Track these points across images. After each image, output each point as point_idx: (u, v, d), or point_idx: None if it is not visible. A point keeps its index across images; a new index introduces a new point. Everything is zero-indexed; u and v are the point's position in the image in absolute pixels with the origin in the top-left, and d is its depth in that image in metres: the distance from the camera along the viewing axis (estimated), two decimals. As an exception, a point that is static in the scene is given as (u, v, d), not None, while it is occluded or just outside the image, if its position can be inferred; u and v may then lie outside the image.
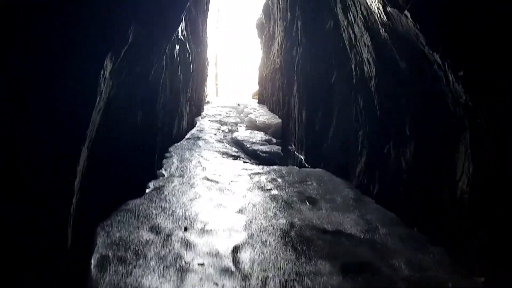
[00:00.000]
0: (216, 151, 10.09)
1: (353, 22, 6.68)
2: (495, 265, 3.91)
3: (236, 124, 16.32)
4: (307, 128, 10.57)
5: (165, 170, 7.64)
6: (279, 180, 7.47)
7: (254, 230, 4.92)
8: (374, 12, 5.64)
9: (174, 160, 8.57)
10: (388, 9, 5.12)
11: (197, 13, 14.53)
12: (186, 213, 5.31)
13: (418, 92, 5.14)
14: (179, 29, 11.16)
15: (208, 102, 21.68)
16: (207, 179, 7.25)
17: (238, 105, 22.07)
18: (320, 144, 9.29)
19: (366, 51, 6.33)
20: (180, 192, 6.24)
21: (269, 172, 8.00)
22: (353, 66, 7.38)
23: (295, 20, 12.04)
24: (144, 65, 5.32)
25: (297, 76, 11.62)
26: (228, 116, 17.73)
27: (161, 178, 7.05)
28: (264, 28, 20.63)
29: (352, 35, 6.93)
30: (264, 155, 10.37)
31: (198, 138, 11.64)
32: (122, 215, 4.92)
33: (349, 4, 6.64)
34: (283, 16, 15.13)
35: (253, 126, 16.09)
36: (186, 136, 11.76)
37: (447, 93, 4.46)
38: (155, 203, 5.53)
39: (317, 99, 9.86)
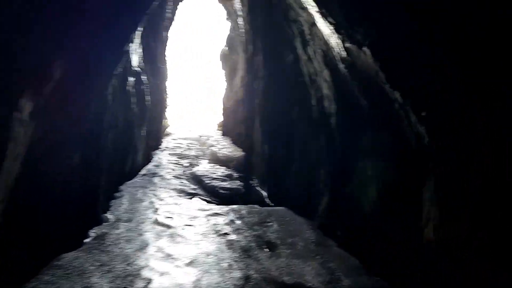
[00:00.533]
0: (172, 189, 9.54)
1: (313, 57, 6.47)
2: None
3: (197, 157, 15.79)
4: (269, 163, 10.22)
5: (112, 213, 7.03)
6: (238, 222, 7.01)
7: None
8: (333, 48, 5.43)
9: (124, 201, 7.96)
10: (347, 44, 4.92)
11: (156, 43, 14.19)
12: (128, 268, 4.74)
13: (381, 131, 4.89)
14: (134, 60, 10.74)
15: (169, 134, 21.14)
16: (159, 223, 6.69)
17: (201, 136, 21.60)
18: (283, 181, 8.93)
19: (326, 87, 6.10)
20: (125, 241, 5.66)
21: (227, 213, 7.54)
22: (313, 102, 7.14)
23: (257, 52, 11.87)
24: (80, 102, 4.85)
25: (258, 110, 11.35)
26: (189, 149, 17.19)
27: (105, 224, 6.44)
28: (227, 60, 20.51)
29: (312, 70, 6.72)
30: (224, 192, 9.89)
31: (154, 174, 11.06)
32: (52, 274, 4.31)
33: (308, 39, 6.44)
34: (245, 49, 15.01)
35: (215, 159, 15.62)
36: (141, 172, 11.15)
37: (410, 133, 4.21)
38: (93, 256, 4.93)
39: (279, 134, 9.56)
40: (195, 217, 7.25)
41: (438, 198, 3.79)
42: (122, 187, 9.19)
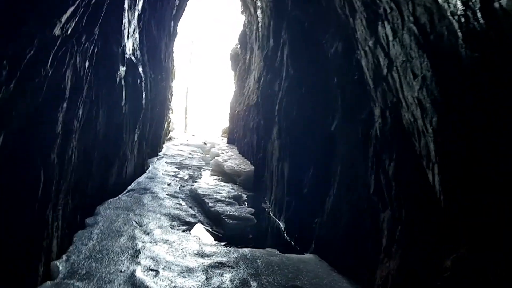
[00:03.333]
0: (164, 214, 7.00)
1: (390, 38, 3.98)
2: None
3: (200, 168, 13.30)
4: (289, 187, 7.71)
5: (68, 259, 4.50)
6: (253, 284, 4.50)
7: None
8: (452, 14, 2.95)
9: (94, 234, 5.45)
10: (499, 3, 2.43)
11: (159, 34, 11.74)
12: None
13: None
14: (129, 46, 8.29)
15: (170, 139, 18.66)
16: (134, 286, 4.19)
17: (205, 143, 19.14)
18: (311, 215, 6.42)
19: (418, 87, 3.59)
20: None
21: (237, 264, 5.01)
22: (377, 111, 4.65)
23: (280, 47, 9.40)
24: None
25: (278, 117, 8.87)
26: (191, 158, 14.69)
27: (49, 282, 3.95)
28: (239, 60, 18.08)
29: (384, 61, 4.23)
30: (231, 222, 7.35)
31: (145, 190, 8.54)
32: None
33: (385, 9, 3.95)
34: (262, 45, 12.56)
35: (220, 171, 13.14)
36: (130, 187, 8.65)
37: None
38: None
39: (306, 151, 7.07)
40: (190, 270, 4.72)
41: None
42: (100, 208, 6.69)
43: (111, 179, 7.70)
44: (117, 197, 7.64)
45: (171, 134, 19.39)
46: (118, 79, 7.42)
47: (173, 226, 6.53)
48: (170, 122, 18.57)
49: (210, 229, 7.19)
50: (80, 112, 5.02)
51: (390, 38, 3.95)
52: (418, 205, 3.89)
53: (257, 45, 13.62)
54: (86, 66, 4.69)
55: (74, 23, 3.68)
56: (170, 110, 16.92)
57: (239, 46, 17.82)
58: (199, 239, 6.08)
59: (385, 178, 4.45)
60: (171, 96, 16.68)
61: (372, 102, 4.76)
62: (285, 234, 7.33)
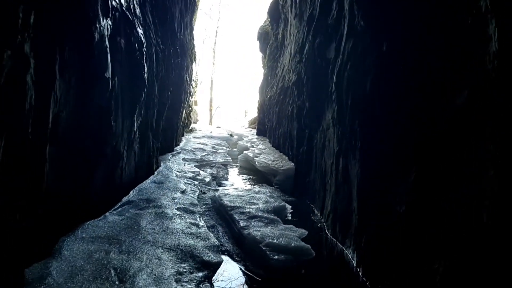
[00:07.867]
0: (168, 249, 4.20)
1: None
2: None
3: (226, 165, 10.47)
4: (363, 198, 4.79)
5: None
6: None
7: None
8: None
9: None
10: None
11: (172, -4, 8.92)
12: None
13: None
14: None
15: (192, 130, 15.92)
16: None
17: (231, 135, 16.35)
18: (419, 254, 3.53)
19: None
20: None
21: None
22: None
23: (336, -4, 6.43)
24: None
25: (337, 94, 5.92)
26: (215, 152, 11.87)
27: None
28: (269, 38, 15.13)
29: None
30: (276, 257, 4.47)
31: (148, 202, 5.77)
32: None
33: None
34: (301, 11, 9.60)
35: (251, 169, 10.32)
36: (127, 197, 5.90)
37: None
38: None
39: (397, 144, 4.15)
40: None
41: None
42: (64, 242, 3.95)
43: (91, 189, 4.95)
44: (101, 217, 4.90)
45: (193, 125, 16.67)
46: (97, 36, 4.64)
47: (181, 275, 3.70)
48: (191, 111, 15.82)
49: (243, 268, 4.35)
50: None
51: None
52: None
53: (294, 12, 10.63)
54: None
55: None
56: (189, 94, 14.11)
57: (269, 20, 14.86)
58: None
59: None
60: (190, 78, 13.87)
61: None
62: (360, 274, 4.44)
